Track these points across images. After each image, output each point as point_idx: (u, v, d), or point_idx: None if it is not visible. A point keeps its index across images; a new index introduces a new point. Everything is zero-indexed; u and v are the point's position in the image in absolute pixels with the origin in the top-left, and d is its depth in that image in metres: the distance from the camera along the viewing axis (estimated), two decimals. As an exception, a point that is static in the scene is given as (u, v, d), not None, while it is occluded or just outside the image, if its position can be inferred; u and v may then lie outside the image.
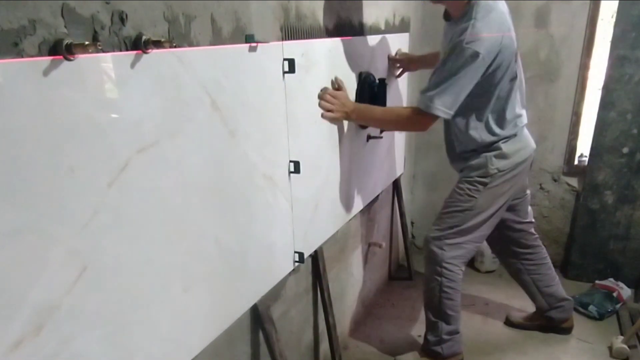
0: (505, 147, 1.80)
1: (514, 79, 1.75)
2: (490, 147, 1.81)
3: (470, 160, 1.86)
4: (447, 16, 1.78)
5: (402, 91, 2.47)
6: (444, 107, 1.63)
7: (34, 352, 0.77)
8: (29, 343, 0.76)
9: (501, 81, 1.70)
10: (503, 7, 1.67)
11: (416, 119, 1.71)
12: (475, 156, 1.85)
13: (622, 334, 2.30)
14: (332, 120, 1.67)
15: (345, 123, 1.81)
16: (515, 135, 1.82)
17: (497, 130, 1.79)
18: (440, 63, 1.64)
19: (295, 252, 1.59)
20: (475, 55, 1.55)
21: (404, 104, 2.52)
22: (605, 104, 2.54)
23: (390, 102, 2.01)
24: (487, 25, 1.57)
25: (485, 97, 1.74)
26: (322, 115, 1.62)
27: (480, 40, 1.55)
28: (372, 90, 1.93)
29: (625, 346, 2.17)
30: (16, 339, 0.74)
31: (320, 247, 1.83)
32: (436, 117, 1.67)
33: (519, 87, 1.81)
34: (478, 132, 1.80)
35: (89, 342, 0.86)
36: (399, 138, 2.48)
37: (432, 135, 2.94)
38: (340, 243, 2.10)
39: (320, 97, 1.60)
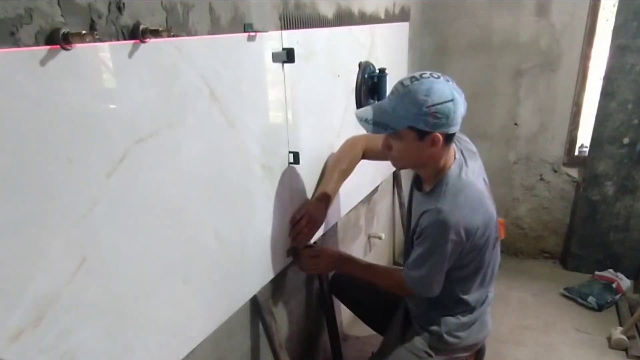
0: None
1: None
2: None
3: None
4: (418, 184, 1.50)
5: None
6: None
7: (33, 344, 0.76)
8: (29, 334, 0.75)
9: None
10: (478, 184, 1.38)
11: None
12: None
13: (621, 325, 2.31)
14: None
15: (344, 114, 1.80)
16: None
17: None
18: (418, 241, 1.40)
19: (295, 243, 1.59)
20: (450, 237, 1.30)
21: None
22: (606, 94, 2.53)
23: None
24: (459, 205, 1.31)
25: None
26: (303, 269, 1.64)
27: (452, 221, 1.29)
28: (372, 80, 1.92)
29: (624, 337, 2.18)
30: (16, 331, 0.74)
31: (320, 238, 1.83)
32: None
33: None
34: None
35: (89, 334, 0.86)
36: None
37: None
38: (340, 234, 2.10)
39: (301, 260, 1.60)
